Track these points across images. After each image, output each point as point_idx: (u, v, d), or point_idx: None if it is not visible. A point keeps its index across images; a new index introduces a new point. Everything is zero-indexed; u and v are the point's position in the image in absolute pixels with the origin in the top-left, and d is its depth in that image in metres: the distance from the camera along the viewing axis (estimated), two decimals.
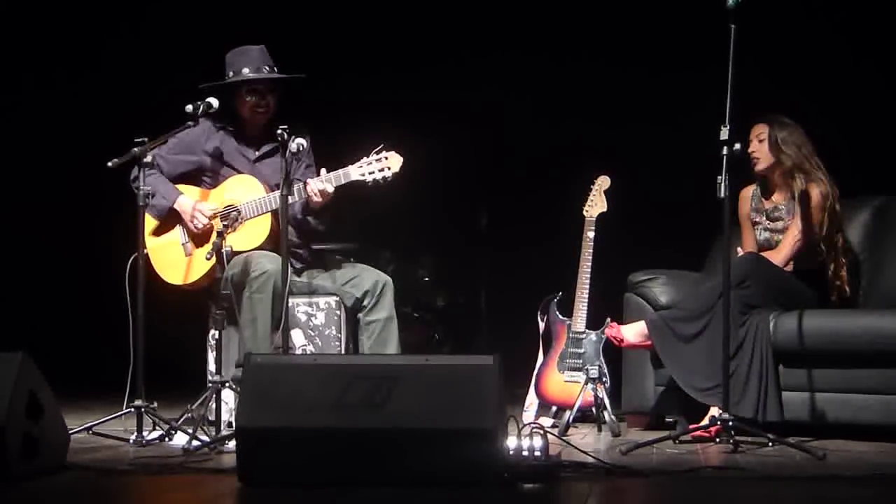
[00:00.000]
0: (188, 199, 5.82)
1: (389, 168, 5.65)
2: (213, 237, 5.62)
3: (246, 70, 5.85)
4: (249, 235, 5.75)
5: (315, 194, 5.67)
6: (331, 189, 5.67)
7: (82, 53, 8.40)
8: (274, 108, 5.91)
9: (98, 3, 8.26)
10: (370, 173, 5.66)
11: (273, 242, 5.66)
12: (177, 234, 5.86)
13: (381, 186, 5.68)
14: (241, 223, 5.76)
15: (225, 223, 5.69)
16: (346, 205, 5.89)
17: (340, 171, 5.69)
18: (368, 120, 6.69)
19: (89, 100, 8.32)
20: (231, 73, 5.88)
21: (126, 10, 8.25)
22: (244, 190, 5.83)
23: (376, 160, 5.66)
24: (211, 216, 5.78)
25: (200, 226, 5.77)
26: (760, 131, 5.89)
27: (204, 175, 5.95)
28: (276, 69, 5.89)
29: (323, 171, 5.74)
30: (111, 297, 5.45)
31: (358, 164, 5.69)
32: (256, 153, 5.97)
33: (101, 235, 6.76)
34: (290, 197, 5.47)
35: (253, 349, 5.44)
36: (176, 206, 5.81)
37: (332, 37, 8.21)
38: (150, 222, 5.76)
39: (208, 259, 5.58)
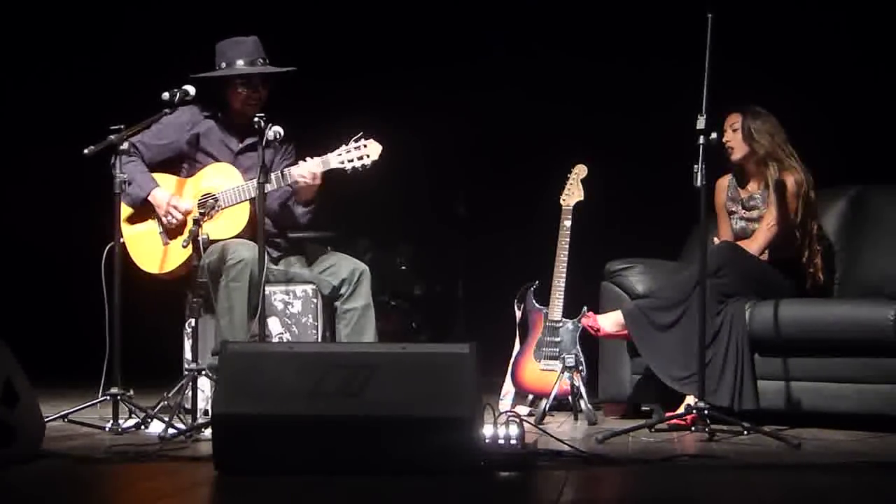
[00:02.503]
0: (164, 192, 5.79)
1: (368, 156, 5.66)
2: (190, 225, 5.60)
3: (240, 62, 5.83)
4: (228, 223, 5.74)
5: (302, 177, 5.66)
6: (319, 171, 5.66)
7: (60, 41, 8.36)
8: (265, 100, 5.90)
9: None
10: (349, 161, 5.66)
11: (252, 230, 5.64)
12: (154, 223, 5.84)
13: (360, 174, 5.69)
14: (217, 211, 5.75)
15: (201, 211, 5.68)
16: (324, 193, 5.88)
17: (319, 159, 5.69)
18: (347, 109, 6.67)
19: (66, 88, 8.29)
20: (224, 64, 5.85)
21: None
22: (222, 178, 5.82)
23: (355, 148, 5.67)
24: (185, 212, 5.75)
25: (175, 222, 5.75)
26: (734, 121, 5.91)
27: (183, 163, 5.92)
28: (267, 61, 5.88)
29: (302, 161, 5.74)
30: (87, 285, 5.44)
31: (337, 151, 5.69)
32: (240, 145, 5.95)
33: (77, 223, 6.74)
34: (267, 185, 5.46)
35: (229, 337, 5.44)
36: (150, 198, 5.78)
37: (314, 31, 8.19)
38: (127, 211, 5.75)
39: (184, 247, 5.57)
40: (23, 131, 8.30)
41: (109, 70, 8.18)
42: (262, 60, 5.85)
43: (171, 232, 5.79)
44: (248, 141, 5.91)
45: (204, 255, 5.59)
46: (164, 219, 5.77)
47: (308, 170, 5.67)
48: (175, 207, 5.75)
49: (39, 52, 8.42)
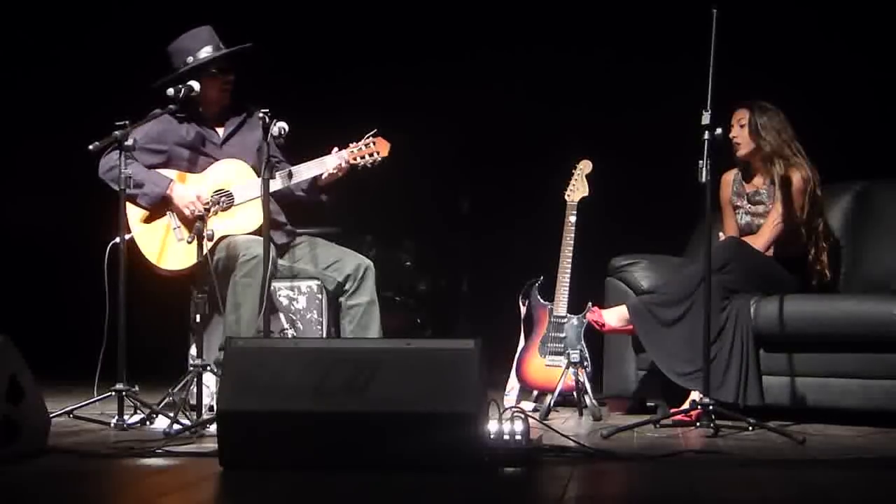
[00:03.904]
0: (181, 185, 5.77)
1: (378, 153, 5.69)
2: (196, 221, 5.58)
3: (209, 48, 5.84)
4: (245, 219, 5.73)
5: (338, 168, 5.70)
6: (345, 165, 5.70)
7: (59, 39, 8.36)
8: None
9: None
10: (360, 158, 5.70)
11: (268, 226, 5.62)
12: (167, 218, 5.80)
13: (368, 171, 5.71)
14: (222, 208, 5.74)
15: (206, 208, 5.68)
16: (328, 188, 5.88)
17: (334, 155, 5.71)
18: (351, 106, 6.68)
19: (67, 81, 8.29)
20: (191, 59, 5.82)
21: None
22: (236, 174, 5.81)
23: (365, 145, 5.70)
24: (206, 203, 5.73)
25: (198, 212, 5.71)
26: (741, 116, 5.91)
27: (172, 167, 5.88)
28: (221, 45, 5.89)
29: (336, 151, 5.74)
30: (93, 280, 5.43)
31: (347, 149, 5.71)
32: (221, 136, 5.95)
33: (83, 219, 6.73)
34: (272, 182, 5.44)
35: (236, 334, 5.43)
36: (170, 191, 5.75)
37: (317, 27, 8.19)
38: (137, 208, 5.74)
39: (189, 243, 5.55)
40: (24, 126, 8.30)
41: (111, 65, 8.16)
42: (221, 45, 5.87)
43: (189, 226, 5.74)
44: (227, 130, 5.94)
45: (215, 252, 5.59)
46: (185, 210, 5.73)
47: (337, 163, 5.68)
48: (198, 197, 5.73)
49: (39, 46, 8.42)
